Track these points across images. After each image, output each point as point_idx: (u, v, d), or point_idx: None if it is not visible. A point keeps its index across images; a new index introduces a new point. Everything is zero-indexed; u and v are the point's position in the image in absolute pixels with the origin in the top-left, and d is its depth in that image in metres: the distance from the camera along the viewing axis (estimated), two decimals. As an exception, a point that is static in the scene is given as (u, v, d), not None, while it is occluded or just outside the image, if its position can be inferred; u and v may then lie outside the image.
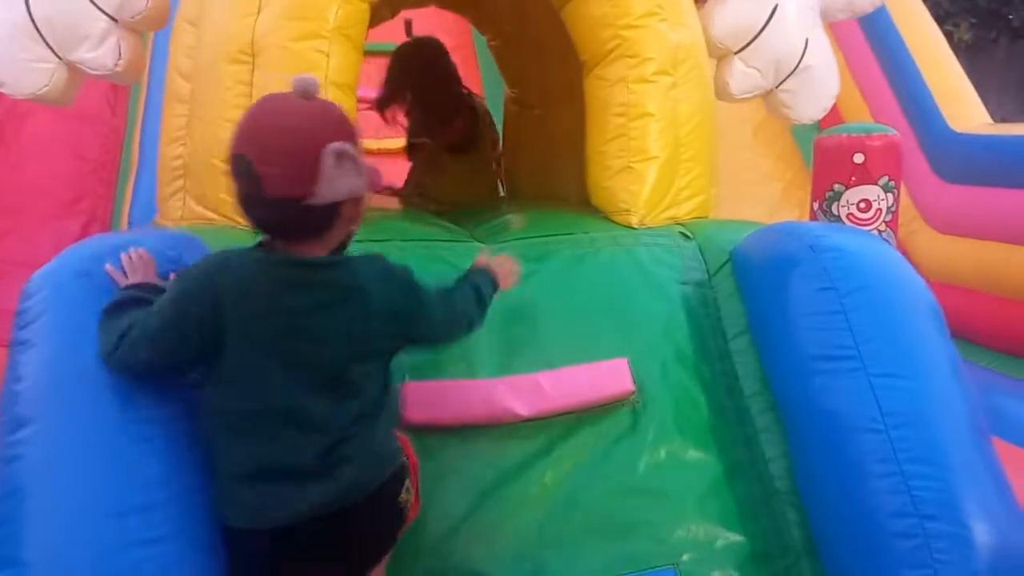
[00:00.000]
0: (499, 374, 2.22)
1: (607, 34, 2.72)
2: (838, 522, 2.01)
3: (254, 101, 2.43)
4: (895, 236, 3.43)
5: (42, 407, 1.73)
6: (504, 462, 2.14)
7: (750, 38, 3.18)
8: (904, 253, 3.08)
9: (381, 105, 3.61)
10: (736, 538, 2.13)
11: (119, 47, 2.86)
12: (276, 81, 2.40)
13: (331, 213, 1.66)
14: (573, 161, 3.02)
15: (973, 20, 12.55)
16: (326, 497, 1.67)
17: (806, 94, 3.31)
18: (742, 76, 3.24)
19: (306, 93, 1.66)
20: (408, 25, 3.97)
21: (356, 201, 1.69)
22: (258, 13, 2.49)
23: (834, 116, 4.47)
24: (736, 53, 3.23)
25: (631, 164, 2.70)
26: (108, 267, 1.88)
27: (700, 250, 2.56)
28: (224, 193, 2.50)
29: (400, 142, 4.05)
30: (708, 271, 2.51)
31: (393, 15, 3.73)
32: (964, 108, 5.42)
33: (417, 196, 3.66)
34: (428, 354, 2.22)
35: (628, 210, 2.69)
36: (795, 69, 3.23)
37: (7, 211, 4.62)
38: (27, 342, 1.82)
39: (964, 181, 5.09)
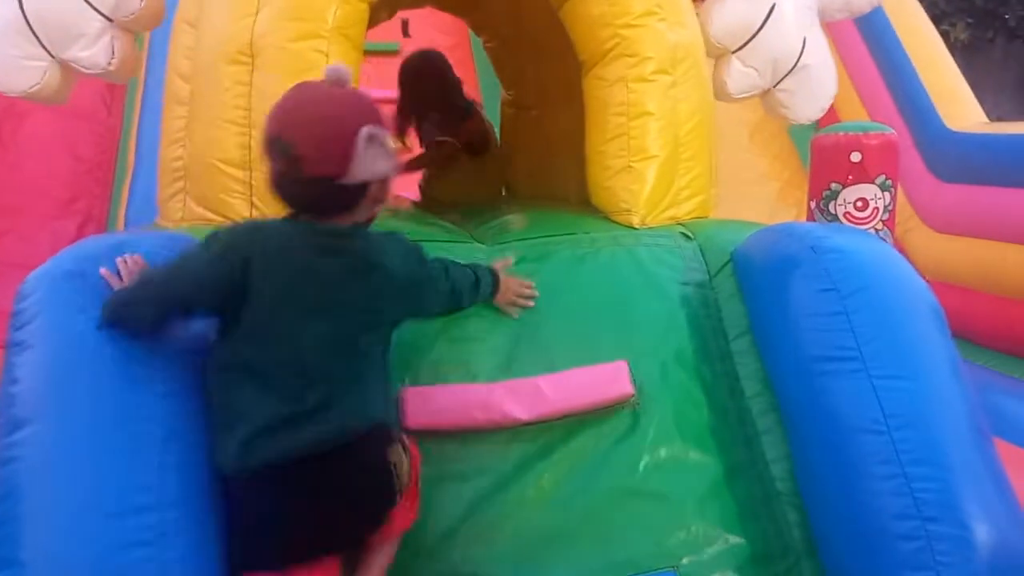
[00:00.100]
0: (500, 375, 2.22)
1: (606, 33, 2.71)
2: (839, 523, 2.01)
3: (253, 102, 2.46)
4: (892, 235, 3.43)
5: (39, 409, 1.73)
6: (503, 465, 2.14)
7: (748, 37, 3.18)
8: (900, 252, 3.08)
9: (402, 118, 3.68)
10: (736, 540, 2.12)
11: (112, 46, 2.86)
12: (275, 81, 2.40)
13: (361, 192, 1.81)
14: (572, 162, 3.02)
15: (969, 20, 12.55)
16: (317, 437, 1.76)
17: (804, 94, 3.31)
18: (740, 75, 3.24)
19: (339, 81, 1.81)
20: (405, 25, 3.98)
21: (383, 182, 1.85)
22: (257, 14, 2.49)
23: (831, 115, 4.47)
24: (734, 52, 3.23)
25: (631, 163, 2.70)
26: (103, 271, 1.90)
27: (701, 250, 2.56)
28: (224, 193, 2.49)
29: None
30: (709, 272, 2.51)
31: (390, 16, 3.74)
32: (960, 107, 5.43)
33: (427, 197, 3.71)
34: (428, 356, 2.22)
35: (629, 210, 2.69)
36: (793, 68, 3.24)
37: (5, 211, 4.62)
38: (22, 343, 1.82)
39: (960, 180, 5.09)
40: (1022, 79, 12.86)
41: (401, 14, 3.91)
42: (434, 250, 2.39)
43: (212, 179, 2.50)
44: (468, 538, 2.05)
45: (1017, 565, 1.87)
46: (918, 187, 5.30)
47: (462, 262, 2.23)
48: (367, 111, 1.81)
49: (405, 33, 5.49)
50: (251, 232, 1.86)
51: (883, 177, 3.33)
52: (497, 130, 4.00)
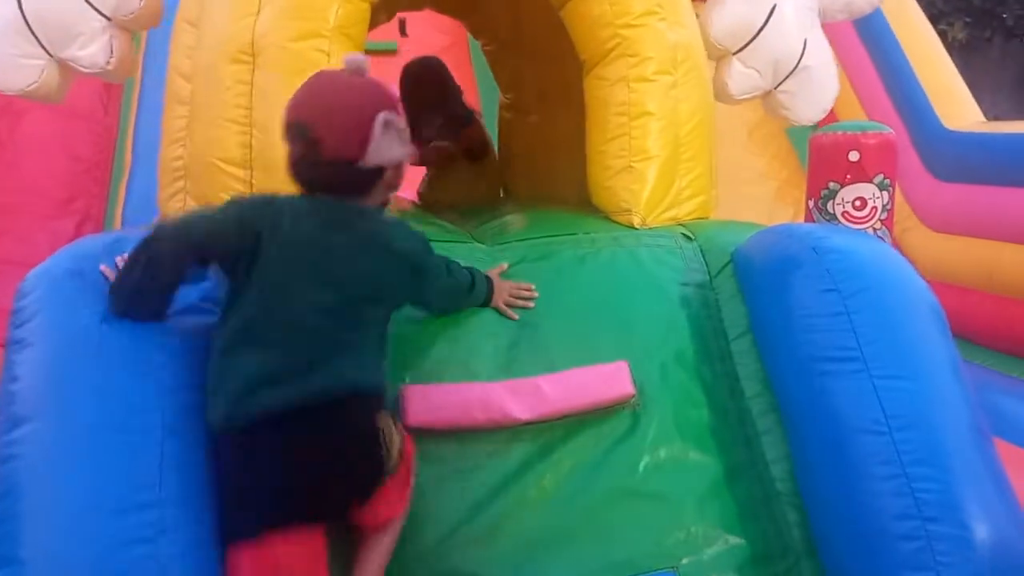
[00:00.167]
0: (500, 375, 2.21)
1: (606, 33, 2.72)
2: (839, 524, 2.01)
3: (254, 101, 2.47)
4: (890, 234, 3.43)
5: (38, 406, 1.74)
6: (503, 465, 2.13)
7: (748, 38, 3.18)
8: (898, 252, 3.08)
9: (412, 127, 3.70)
10: (736, 540, 2.12)
11: (111, 45, 2.85)
12: (276, 81, 2.40)
13: (376, 176, 1.92)
14: (571, 166, 3.02)
15: (967, 19, 12.56)
16: (305, 392, 1.78)
17: (805, 95, 3.31)
18: (741, 77, 3.24)
19: (358, 71, 1.92)
20: (402, 24, 3.98)
21: (397, 167, 1.96)
22: (258, 13, 2.49)
23: (829, 115, 4.46)
24: (735, 54, 3.23)
25: (632, 163, 2.70)
26: (102, 267, 1.91)
27: (701, 251, 2.56)
28: (224, 192, 2.49)
29: None
30: (709, 272, 2.50)
31: (389, 18, 3.74)
32: (958, 107, 5.44)
33: (425, 201, 3.72)
34: (428, 355, 2.22)
35: (629, 210, 2.69)
36: (794, 70, 3.24)
37: (3, 210, 4.62)
38: (22, 341, 1.83)
39: (958, 179, 5.10)
40: (1020, 78, 12.88)
41: (399, 14, 3.90)
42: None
43: (212, 178, 2.50)
44: (468, 539, 2.04)
45: (1017, 565, 1.87)
46: (916, 186, 5.31)
47: (461, 263, 2.24)
48: (384, 99, 1.92)
49: (403, 32, 5.49)
50: (267, 201, 1.93)
51: (881, 176, 3.33)
52: (494, 133, 4.00)
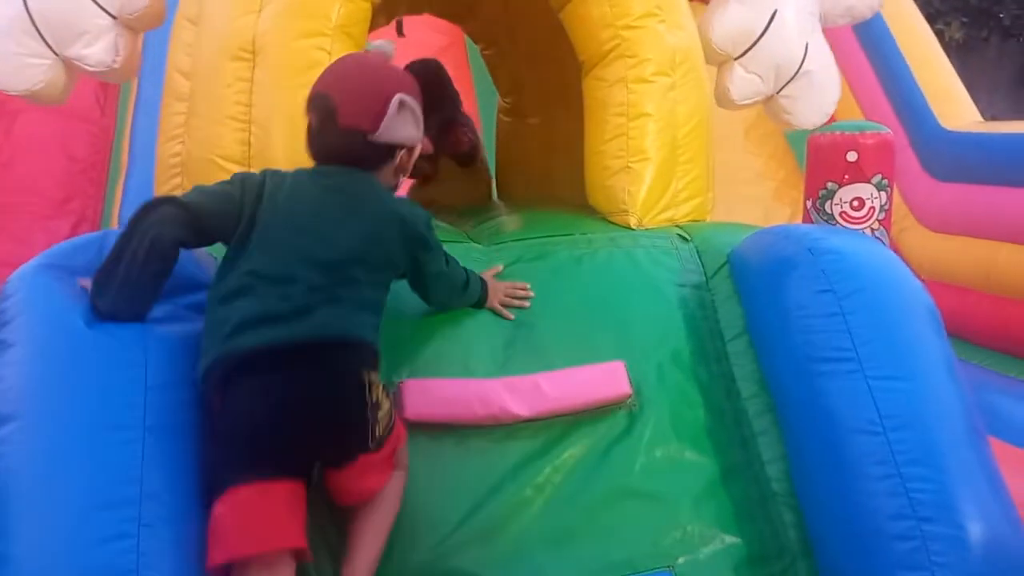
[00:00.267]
0: (497, 373, 2.21)
1: (606, 34, 2.72)
2: (835, 524, 2.01)
3: (254, 99, 2.48)
4: (888, 234, 3.43)
5: (21, 405, 1.74)
6: (500, 464, 2.13)
7: (750, 44, 3.18)
8: (896, 252, 3.09)
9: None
10: (732, 540, 2.12)
11: (116, 44, 2.85)
12: (276, 79, 2.41)
13: (387, 154, 2.01)
14: (570, 167, 3.02)
15: (964, 19, 12.56)
16: (293, 332, 1.81)
17: (806, 100, 3.31)
18: (742, 82, 3.24)
19: (384, 56, 2.06)
20: (399, 24, 3.98)
21: (409, 151, 2.06)
22: (259, 11, 2.50)
23: (826, 115, 4.48)
24: (736, 59, 3.22)
25: (630, 164, 2.70)
26: (80, 281, 1.92)
27: (698, 252, 2.56)
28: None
29: None
30: (706, 273, 2.50)
31: (388, 21, 3.74)
32: (955, 107, 5.44)
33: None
34: (425, 352, 2.22)
35: (626, 211, 2.69)
36: (795, 74, 3.24)
37: None
38: (4, 342, 1.83)
39: (955, 179, 5.10)
40: (1017, 78, 12.89)
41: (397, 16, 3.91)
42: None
43: (210, 175, 2.50)
44: (465, 538, 2.04)
45: (1012, 565, 1.88)
46: (914, 186, 5.31)
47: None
48: (405, 83, 2.04)
49: (400, 33, 5.48)
50: (271, 171, 2.02)
51: (879, 176, 3.33)
52: (492, 136, 4.01)
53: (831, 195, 3.35)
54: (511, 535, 2.06)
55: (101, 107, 5.14)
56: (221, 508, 1.75)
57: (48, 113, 4.57)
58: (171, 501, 1.73)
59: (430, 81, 3.71)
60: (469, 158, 3.75)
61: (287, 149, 2.40)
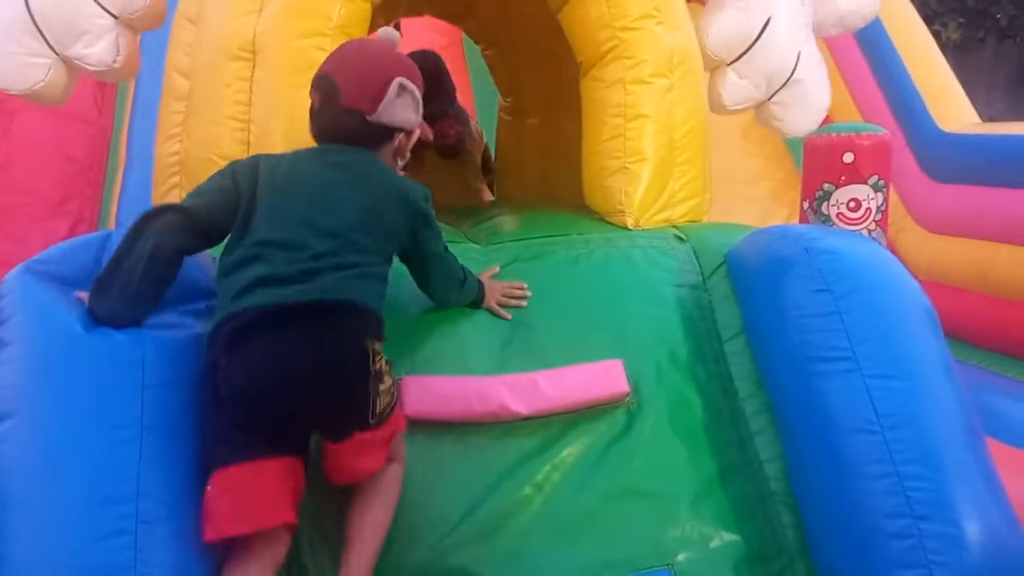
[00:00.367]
0: (495, 372, 2.21)
1: (604, 35, 2.73)
2: (832, 523, 2.01)
3: (253, 98, 2.49)
4: (885, 235, 3.44)
5: (18, 403, 1.75)
6: (499, 462, 2.13)
7: (743, 50, 3.21)
8: (893, 253, 3.09)
9: None
10: (731, 539, 2.12)
11: (118, 44, 2.85)
12: (276, 79, 2.41)
13: (385, 135, 2.06)
14: (569, 167, 3.03)
15: (961, 20, 12.57)
16: (303, 294, 1.85)
17: (797, 107, 3.34)
18: (735, 87, 3.27)
19: (390, 41, 2.12)
20: (397, 23, 3.99)
21: (408, 135, 2.11)
22: (259, 11, 2.51)
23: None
24: (729, 64, 3.25)
25: (627, 164, 2.71)
26: (78, 294, 1.92)
27: (695, 252, 2.57)
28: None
29: None
30: (703, 273, 2.51)
31: (388, 21, 3.75)
32: (952, 108, 5.43)
33: None
34: (423, 350, 2.22)
35: (623, 211, 2.70)
36: (787, 82, 3.26)
37: (-3, 210, 4.60)
38: (1, 340, 1.84)
39: (953, 180, 5.10)
40: (1014, 79, 12.89)
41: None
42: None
43: (209, 174, 2.50)
44: (465, 536, 2.04)
45: (1008, 563, 1.88)
46: (911, 187, 5.31)
47: None
48: (407, 69, 2.09)
49: (396, 29, 5.48)
50: (263, 155, 2.08)
51: (876, 177, 3.34)
52: (493, 135, 4.01)
53: (828, 196, 3.35)
54: (510, 533, 2.06)
55: (99, 108, 5.13)
56: (214, 486, 1.77)
57: (46, 114, 4.56)
58: (168, 498, 1.74)
59: (426, 72, 3.73)
60: (453, 151, 3.76)
61: (286, 148, 2.39)
